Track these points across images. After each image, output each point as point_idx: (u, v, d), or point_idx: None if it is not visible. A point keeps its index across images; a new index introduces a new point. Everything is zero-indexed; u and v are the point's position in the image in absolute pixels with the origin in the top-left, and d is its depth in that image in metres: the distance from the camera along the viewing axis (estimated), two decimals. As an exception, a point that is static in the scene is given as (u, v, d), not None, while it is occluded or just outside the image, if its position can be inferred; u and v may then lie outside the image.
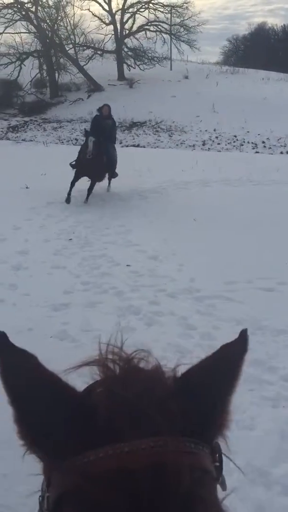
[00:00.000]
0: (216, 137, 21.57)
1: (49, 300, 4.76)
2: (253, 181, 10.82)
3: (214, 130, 22.65)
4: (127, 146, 20.26)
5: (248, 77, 32.51)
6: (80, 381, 0.73)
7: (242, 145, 19.77)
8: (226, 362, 0.69)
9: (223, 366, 0.69)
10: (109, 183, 10.14)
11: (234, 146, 19.72)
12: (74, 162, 9.33)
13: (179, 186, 10.60)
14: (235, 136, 21.21)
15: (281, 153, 17.99)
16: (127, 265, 5.70)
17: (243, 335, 0.72)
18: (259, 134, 21.07)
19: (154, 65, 33.35)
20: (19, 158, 14.69)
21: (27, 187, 10.26)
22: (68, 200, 8.97)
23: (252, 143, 19.97)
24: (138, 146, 20.39)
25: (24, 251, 6.23)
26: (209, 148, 19.62)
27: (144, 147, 20.21)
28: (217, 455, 0.65)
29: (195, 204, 8.70)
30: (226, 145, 20.04)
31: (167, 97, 27.61)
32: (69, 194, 8.97)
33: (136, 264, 5.76)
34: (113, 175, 9.83)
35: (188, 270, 5.53)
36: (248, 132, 21.58)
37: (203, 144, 20.53)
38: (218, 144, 20.36)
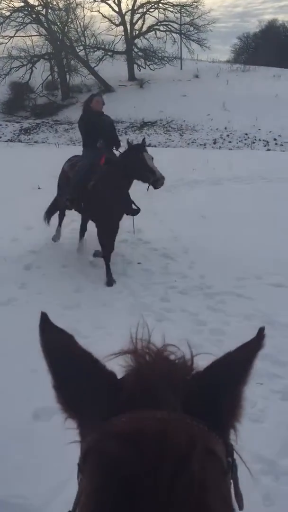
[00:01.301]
0: (227, 135, 21.50)
1: (61, 299, 4.83)
2: (265, 178, 10.79)
3: (225, 128, 22.58)
4: (138, 146, 20.31)
5: (259, 74, 32.32)
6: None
7: (254, 142, 19.69)
8: (242, 358, 0.76)
9: (239, 362, 0.76)
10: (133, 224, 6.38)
11: (245, 144, 19.65)
12: (67, 200, 5.85)
13: (190, 185, 10.61)
14: (246, 134, 21.12)
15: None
16: (138, 263, 5.75)
17: (260, 333, 0.78)
18: (270, 132, 20.95)
19: (165, 65, 33.30)
20: (31, 160, 14.84)
21: (39, 188, 10.36)
22: (80, 250, 6.31)
23: (263, 140, 19.88)
24: (149, 145, 20.34)
25: (36, 251, 6.31)
26: (220, 147, 19.59)
27: (155, 146, 20.22)
28: (231, 452, 0.70)
29: (206, 202, 8.71)
30: (237, 143, 19.98)
31: (178, 97, 27.58)
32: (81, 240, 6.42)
33: (147, 262, 5.80)
34: (132, 212, 5.87)
35: (199, 267, 5.57)
36: (259, 129, 21.47)
37: (214, 143, 20.49)
38: (229, 142, 20.31)
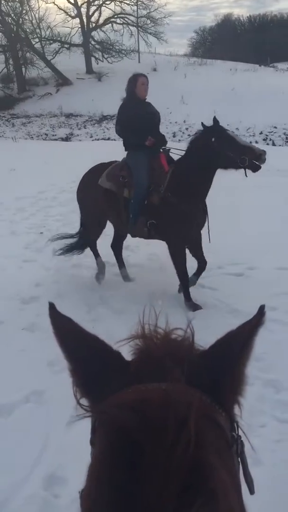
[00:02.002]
0: (186, 129, 21.64)
1: (20, 293, 4.72)
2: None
3: (184, 121, 22.71)
4: (97, 139, 20.16)
5: (216, 68, 32.62)
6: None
7: (212, 135, 19.89)
8: (243, 334, 0.79)
9: (241, 338, 0.79)
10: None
11: (204, 137, 19.81)
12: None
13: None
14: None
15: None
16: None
17: (261, 310, 0.82)
18: (228, 125, 21.15)
19: (122, 58, 33.11)
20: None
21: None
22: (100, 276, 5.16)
23: (222, 133, 20.11)
24: (109, 139, 20.29)
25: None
26: (179, 140, 19.68)
27: (114, 140, 20.13)
28: (234, 427, 0.74)
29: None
30: (196, 136, 20.14)
31: (136, 90, 27.50)
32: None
33: (107, 255, 5.76)
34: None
35: (159, 259, 5.56)
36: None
37: (174, 136, 20.59)
38: (189, 135, 20.40)
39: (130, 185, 4.56)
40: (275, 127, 19.99)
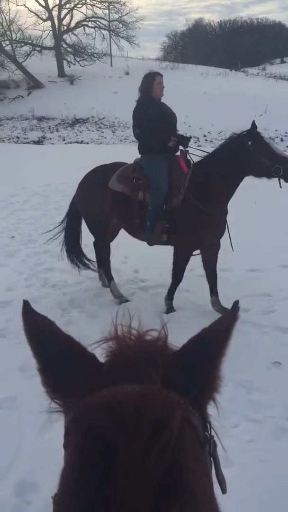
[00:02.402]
0: (159, 132, 21.75)
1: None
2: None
3: (157, 125, 22.83)
4: (70, 142, 20.07)
5: (188, 72, 32.94)
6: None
7: (185, 139, 20.04)
8: (221, 331, 0.79)
9: (216, 335, 0.79)
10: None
11: (176, 140, 19.95)
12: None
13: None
14: (177, 131, 21.46)
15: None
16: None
17: (235, 305, 0.83)
18: (200, 128, 21.44)
19: (95, 61, 33.08)
20: None
21: None
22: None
23: (194, 137, 20.28)
24: (81, 142, 20.22)
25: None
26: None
27: (87, 143, 20.07)
28: (207, 427, 0.74)
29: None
30: (169, 139, 20.26)
31: (109, 93, 27.52)
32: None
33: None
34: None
35: (132, 262, 5.57)
36: (189, 126, 21.88)
37: (146, 139, 20.65)
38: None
39: (145, 188, 4.37)
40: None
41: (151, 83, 4.47)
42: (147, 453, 0.57)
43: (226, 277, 5.11)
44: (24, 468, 2.55)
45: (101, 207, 4.55)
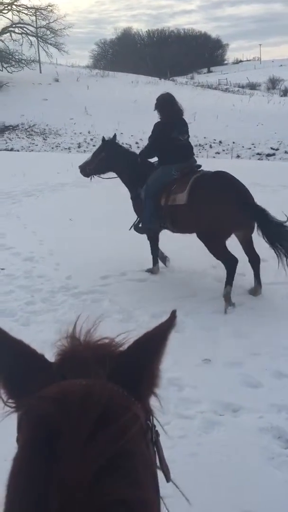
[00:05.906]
0: (91, 139, 21.79)
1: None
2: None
3: (89, 132, 22.86)
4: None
5: (118, 80, 33.28)
6: None
7: (117, 146, 20.19)
8: (157, 335, 0.87)
9: (155, 338, 0.87)
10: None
11: (109, 147, 20.06)
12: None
13: (55, 188, 10.53)
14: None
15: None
16: (1, 269, 5.55)
17: (173, 314, 0.92)
18: (132, 135, 21.70)
19: (23, 67, 32.61)
20: None
21: None
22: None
23: (126, 144, 20.48)
24: (11, 150, 19.82)
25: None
26: (84, 150, 19.74)
27: (18, 151, 19.71)
28: (149, 416, 0.83)
29: (71, 205, 8.71)
30: (101, 146, 20.33)
31: (39, 100, 27.23)
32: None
33: (10, 267, 5.63)
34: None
35: (64, 269, 5.55)
36: (122, 133, 22.09)
37: (79, 147, 20.64)
38: (94, 146, 20.54)
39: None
40: (177, 138, 20.80)
41: (172, 103, 5.35)
42: (90, 437, 0.63)
43: (156, 280, 5.20)
44: None
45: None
